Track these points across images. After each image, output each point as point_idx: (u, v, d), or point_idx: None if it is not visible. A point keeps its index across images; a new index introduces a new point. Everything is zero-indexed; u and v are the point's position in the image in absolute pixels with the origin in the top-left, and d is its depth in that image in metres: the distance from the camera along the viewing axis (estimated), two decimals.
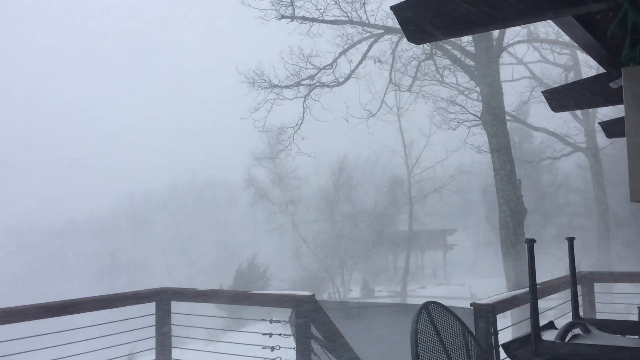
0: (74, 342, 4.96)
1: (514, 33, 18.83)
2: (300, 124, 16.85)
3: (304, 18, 16.03)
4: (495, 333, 4.18)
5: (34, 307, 4.84)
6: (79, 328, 5.14)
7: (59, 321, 4.90)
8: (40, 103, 79.47)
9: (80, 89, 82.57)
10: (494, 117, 14.08)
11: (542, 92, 3.55)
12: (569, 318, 3.39)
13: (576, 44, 2.66)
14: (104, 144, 74.40)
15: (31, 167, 68.52)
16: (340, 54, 16.49)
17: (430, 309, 2.72)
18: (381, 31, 16.21)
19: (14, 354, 4.58)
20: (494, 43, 14.92)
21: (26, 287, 45.33)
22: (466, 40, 15.49)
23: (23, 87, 79.77)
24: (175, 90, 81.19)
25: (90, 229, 60.69)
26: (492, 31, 14.13)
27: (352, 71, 16.48)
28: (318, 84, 16.57)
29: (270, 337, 4.80)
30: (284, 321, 4.87)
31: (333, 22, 16.14)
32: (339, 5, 15.87)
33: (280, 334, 4.82)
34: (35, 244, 58.30)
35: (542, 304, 3.15)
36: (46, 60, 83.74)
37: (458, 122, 18.35)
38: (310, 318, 4.68)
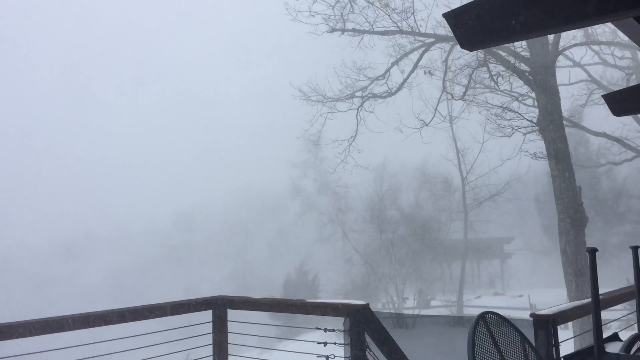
0: (133, 349, 5.10)
1: (570, 36, 18.31)
2: (355, 136, 16.85)
3: (354, 30, 16.08)
4: (556, 345, 4.06)
5: (93, 315, 5.01)
6: (139, 335, 5.29)
7: (118, 328, 5.07)
8: (110, 119, 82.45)
9: (152, 109, 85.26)
10: (551, 123, 13.70)
11: (603, 95, 3.45)
12: (634, 330, 3.26)
13: (638, 46, 2.57)
14: (166, 157, 76.48)
15: (96, 177, 71.17)
16: (392, 64, 16.42)
17: (487, 319, 2.67)
18: (432, 40, 16.07)
19: None
20: (550, 47, 14.55)
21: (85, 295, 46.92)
22: (520, 45, 15.16)
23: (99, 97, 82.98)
24: (231, 108, 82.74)
25: (149, 238, 62.39)
26: (548, 35, 13.81)
27: (404, 80, 16.37)
28: (370, 95, 16.55)
29: (324, 345, 4.80)
30: (339, 330, 4.86)
31: (383, 33, 16.10)
32: (389, 16, 15.84)
33: (334, 343, 4.81)
34: (92, 253, 60.35)
35: (605, 315, 3.04)
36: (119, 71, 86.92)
37: (513, 129, 17.94)
38: (364, 327, 4.66)
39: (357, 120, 16.65)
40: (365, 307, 4.72)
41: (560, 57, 17.59)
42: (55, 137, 77.48)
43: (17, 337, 4.41)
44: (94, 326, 4.83)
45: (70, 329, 4.74)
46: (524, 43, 14.74)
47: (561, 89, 14.97)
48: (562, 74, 20.71)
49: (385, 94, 16.48)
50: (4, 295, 50.55)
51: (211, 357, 5.62)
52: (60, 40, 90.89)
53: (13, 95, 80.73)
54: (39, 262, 58.48)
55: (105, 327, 4.91)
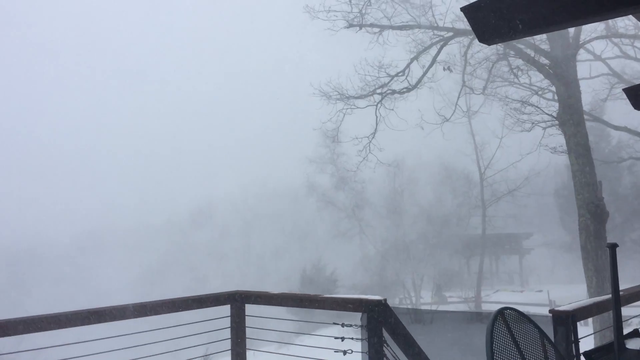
0: (152, 343, 5.16)
1: (591, 29, 18.04)
2: (374, 133, 16.76)
3: (372, 25, 16.01)
4: (576, 341, 4.02)
5: (115, 309, 5.07)
6: (158, 329, 5.34)
7: (137, 322, 5.13)
8: (125, 112, 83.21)
9: (167, 103, 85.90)
10: (572, 117, 13.54)
11: (624, 89, 3.39)
12: None
13: None
14: (183, 153, 77.01)
15: (113, 172, 71.96)
16: (412, 60, 16.31)
17: (506, 315, 2.66)
18: (451, 34, 15.95)
19: (96, 354, 4.82)
20: (570, 40, 14.36)
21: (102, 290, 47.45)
22: (540, 38, 14.99)
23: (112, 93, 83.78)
24: (247, 106, 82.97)
25: (167, 233, 62.94)
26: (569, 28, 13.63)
27: (423, 75, 16.24)
28: (389, 91, 16.44)
29: (342, 340, 4.81)
30: (356, 325, 4.87)
31: (401, 28, 16.01)
32: (407, 11, 15.76)
33: (352, 338, 4.82)
34: (110, 248, 61.04)
35: (625, 311, 3.01)
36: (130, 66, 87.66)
37: (532, 123, 17.75)
38: (382, 322, 4.66)
39: (377, 116, 16.56)
40: (383, 303, 4.72)
41: (581, 51, 17.36)
42: (74, 132, 78.37)
43: (27, 333, 4.50)
44: (112, 320, 4.90)
45: (89, 323, 4.81)
46: (543, 36, 14.56)
47: (582, 83, 14.77)
48: (583, 68, 20.44)
49: (404, 90, 16.38)
50: (28, 289, 51.42)
51: (229, 351, 5.66)
52: (69, 30, 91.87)
53: (34, 90, 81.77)
54: (60, 257, 59.37)
55: (124, 321, 4.97)
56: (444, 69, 16.54)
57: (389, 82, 16.31)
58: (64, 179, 70.50)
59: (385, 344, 4.65)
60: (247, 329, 5.69)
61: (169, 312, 5.29)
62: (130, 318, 5.06)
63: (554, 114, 15.03)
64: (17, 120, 76.98)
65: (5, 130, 73.57)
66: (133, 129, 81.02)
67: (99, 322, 4.84)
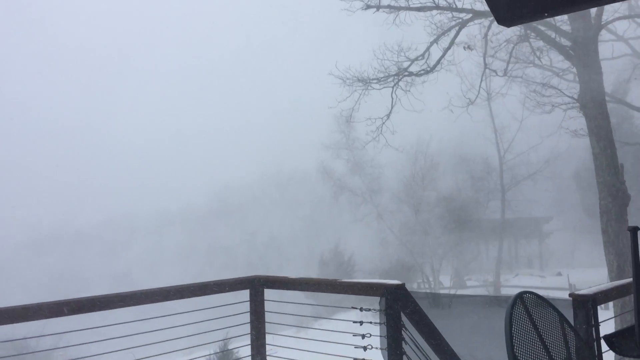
0: (174, 327, 5.24)
1: (613, 9, 17.67)
2: (389, 115, 16.66)
3: (390, 7, 15.85)
4: (596, 325, 4.00)
5: (140, 293, 5.16)
6: (178, 313, 5.43)
7: (159, 307, 5.22)
8: (138, 98, 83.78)
9: (179, 87, 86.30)
10: (593, 99, 13.34)
11: None
12: None
13: None
14: (198, 139, 77.41)
15: (131, 161, 72.66)
16: (432, 43, 16.12)
17: (525, 298, 2.64)
18: (470, 15, 15.74)
19: (119, 337, 4.92)
20: (592, 21, 14.09)
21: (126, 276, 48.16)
22: (561, 19, 14.73)
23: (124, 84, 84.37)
24: (262, 89, 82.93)
25: (185, 219, 63.52)
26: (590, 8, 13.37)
27: (441, 57, 16.04)
28: (407, 73, 16.30)
29: (360, 325, 4.84)
30: (375, 309, 4.89)
31: (419, 9, 15.81)
32: None
33: (370, 322, 4.85)
34: (133, 236, 61.85)
35: None
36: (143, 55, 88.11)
37: (553, 105, 17.52)
38: (400, 306, 4.67)
39: (392, 98, 16.46)
40: (401, 287, 4.73)
41: (603, 31, 17.03)
42: (90, 117, 79.10)
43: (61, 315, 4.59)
44: (139, 304, 4.99)
45: (115, 307, 4.91)
46: (564, 17, 14.31)
47: (604, 64, 14.51)
48: (605, 48, 20.06)
49: (421, 72, 16.23)
50: (52, 274, 52.40)
51: (249, 335, 5.73)
52: (90, 19, 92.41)
53: (61, 79, 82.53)
54: (83, 243, 60.34)
55: (148, 305, 5.06)
56: (464, 48, 16.34)
57: (408, 67, 16.17)
58: (84, 167, 71.33)
59: (403, 328, 4.67)
60: (266, 313, 5.76)
61: (190, 297, 5.38)
62: (155, 302, 5.17)
63: (575, 96, 14.83)
64: (46, 111, 78.06)
65: (34, 120, 74.86)
66: (147, 114, 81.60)
67: (125, 306, 4.94)
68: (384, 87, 16.50)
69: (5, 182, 62.17)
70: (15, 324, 4.33)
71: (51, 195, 65.35)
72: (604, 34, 18.68)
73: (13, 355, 11.37)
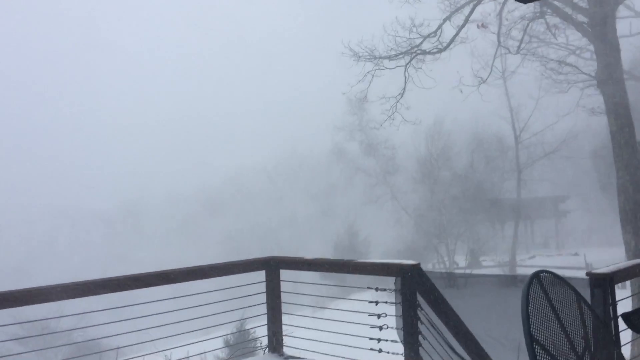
0: (191, 307, 5.30)
1: None
2: (403, 93, 16.52)
3: None
4: (614, 304, 3.98)
5: (155, 275, 5.22)
6: (195, 294, 5.49)
7: (175, 287, 5.28)
8: (149, 86, 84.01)
9: (186, 73, 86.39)
10: (611, 76, 13.12)
11: None
12: None
13: None
14: (213, 123, 77.57)
15: (146, 145, 73.16)
16: (445, 20, 15.89)
17: (542, 277, 2.63)
18: None
19: (137, 318, 4.99)
20: None
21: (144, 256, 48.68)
22: None
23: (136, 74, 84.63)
24: (275, 73, 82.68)
25: (201, 202, 63.94)
26: None
27: (455, 35, 15.83)
28: (419, 51, 16.12)
29: (376, 304, 4.86)
30: (390, 289, 4.90)
31: None
32: None
33: (386, 302, 4.87)
34: (144, 217, 62.53)
35: None
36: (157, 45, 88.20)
37: (569, 83, 17.28)
38: (415, 286, 4.68)
39: (405, 77, 16.31)
40: (416, 267, 4.73)
41: (621, 7, 16.71)
42: (103, 103, 79.57)
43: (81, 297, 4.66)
44: (155, 285, 5.05)
45: (131, 288, 4.98)
46: None
47: (621, 41, 14.23)
48: (623, 25, 19.69)
49: (435, 50, 16.04)
50: (70, 256, 53.23)
51: (265, 316, 5.78)
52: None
53: (81, 66, 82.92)
54: (102, 225, 61.20)
55: (162, 286, 5.12)
56: (478, 27, 16.11)
57: (420, 43, 15.98)
58: (97, 151, 71.93)
59: (419, 308, 4.68)
60: (282, 294, 5.79)
61: (207, 278, 5.43)
62: (174, 282, 5.24)
63: (592, 74, 14.59)
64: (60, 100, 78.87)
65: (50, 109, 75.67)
66: (163, 98, 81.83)
67: (142, 287, 5.00)
68: (397, 66, 16.36)
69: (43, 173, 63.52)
70: (35, 305, 4.41)
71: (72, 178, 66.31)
72: (621, 10, 18.32)
73: (35, 336, 11.61)
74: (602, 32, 13.35)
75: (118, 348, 5.92)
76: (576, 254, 36.96)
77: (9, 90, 73.26)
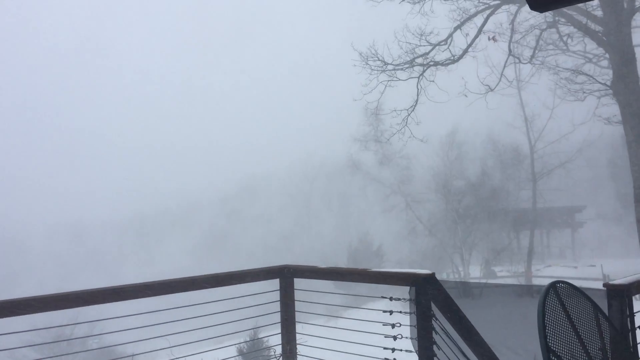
0: (204, 316, 5.31)
1: None
2: (415, 106, 16.48)
3: None
4: (631, 315, 3.93)
5: (169, 282, 5.23)
6: (209, 302, 5.50)
7: (188, 296, 5.29)
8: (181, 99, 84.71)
9: (210, 85, 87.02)
10: (627, 85, 13.02)
11: None
12: None
13: None
14: (230, 131, 78.06)
15: (169, 155, 73.74)
16: (455, 29, 15.87)
17: (558, 288, 2.61)
18: (498, 1, 15.47)
19: (150, 325, 5.01)
20: (625, 5, 13.73)
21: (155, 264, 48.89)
22: (592, 4, 14.38)
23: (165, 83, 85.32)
24: (287, 79, 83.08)
25: (215, 211, 64.21)
26: None
27: (468, 46, 15.81)
28: (432, 62, 16.09)
29: (390, 314, 4.84)
30: (404, 299, 4.87)
31: None
32: None
33: (400, 312, 4.84)
34: (165, 225, 62.80)
35: None
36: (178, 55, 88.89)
37: (585, 92, 17.13)
38: (430, 296, 4.65)
39: (418, 89, 16.28)
40: (431, 276, 4.71)
41: (636, 16, 16.59)
42: (122, 114, 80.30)
43: (96, 304, 4.68)
44: (168, 293, 5.06)
45: (144, 296, 4.99)
46: (596, 2, 13.99)
47: (637, 50, 14.14)
48: (639, 34, 19.59)
49: (447, 62, 16.01)
50: (83, 266, 53.58)
51: (279, 324, 5.77)
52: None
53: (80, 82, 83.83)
54: (113, 237, 61.55)
55: (178, 294, 5.13)
56: (489, 39, 16.07)
57: (430, 51, 15.97)
58: (114, 163, 72.61)
59: (434, 318, 4.65)
60: (296, 303, 5.79)
61: (220, 286, 5.43)
62: (185, 291, 5.24)
63: (608, 83, 14.48)
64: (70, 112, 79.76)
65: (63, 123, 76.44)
66: (177, 106, 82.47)
67: (160, 294, 5.01)
68: (410, 78, 16.35)
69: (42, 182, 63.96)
70: (50, 312, 4.43)
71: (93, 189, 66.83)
72: (637, 19, 18.18)
73: (50, 343, 11.69)
74: (617, 41, 13.28)
75: (133, 355, 5.94)
76: (593, 266, 36.50)
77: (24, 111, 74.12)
